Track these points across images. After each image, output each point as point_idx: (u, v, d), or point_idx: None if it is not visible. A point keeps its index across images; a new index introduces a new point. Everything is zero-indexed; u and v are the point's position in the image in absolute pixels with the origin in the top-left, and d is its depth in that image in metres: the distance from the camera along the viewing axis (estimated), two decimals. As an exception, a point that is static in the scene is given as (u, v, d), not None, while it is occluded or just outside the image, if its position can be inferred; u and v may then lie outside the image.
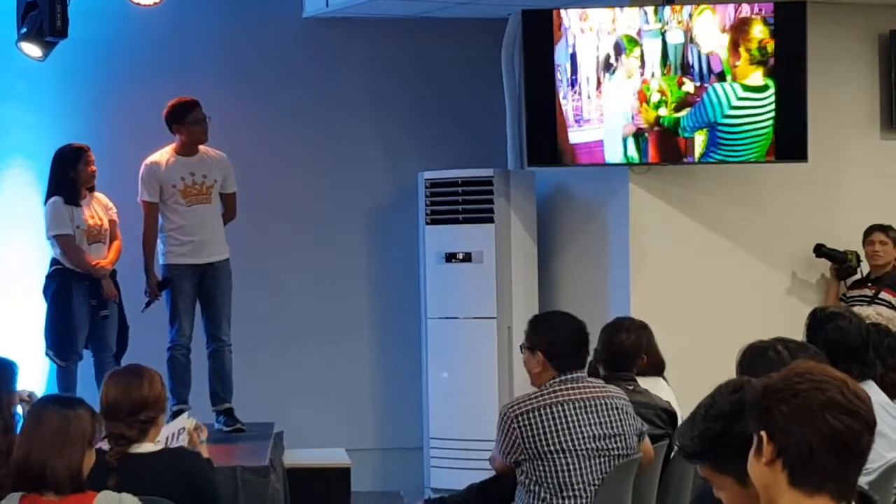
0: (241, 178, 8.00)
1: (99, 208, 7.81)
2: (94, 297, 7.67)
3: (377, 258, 9.36)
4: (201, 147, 7.78)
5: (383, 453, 9.30)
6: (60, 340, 7.68)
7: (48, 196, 7.71)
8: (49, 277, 7.72)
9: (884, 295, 8.18)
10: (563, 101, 8.23)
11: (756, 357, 4.21)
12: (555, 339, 5.21)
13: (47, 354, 7.78)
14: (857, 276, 8.49)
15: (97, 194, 7.85)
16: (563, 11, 8.21)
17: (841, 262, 8.41)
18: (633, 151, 8.21)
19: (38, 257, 8.39)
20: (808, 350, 4.32)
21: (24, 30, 7.43)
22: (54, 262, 7.71)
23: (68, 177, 7.65)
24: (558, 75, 8.21)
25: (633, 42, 8.13)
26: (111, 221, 7.85)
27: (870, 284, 8.28)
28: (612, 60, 8.15)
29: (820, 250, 8.45)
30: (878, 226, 8.37)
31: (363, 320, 9.33)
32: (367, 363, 9.34)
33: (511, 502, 5.29)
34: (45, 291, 7.73)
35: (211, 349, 7.82)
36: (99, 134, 8.31)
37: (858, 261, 8.41)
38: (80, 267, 7.64)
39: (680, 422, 5.98)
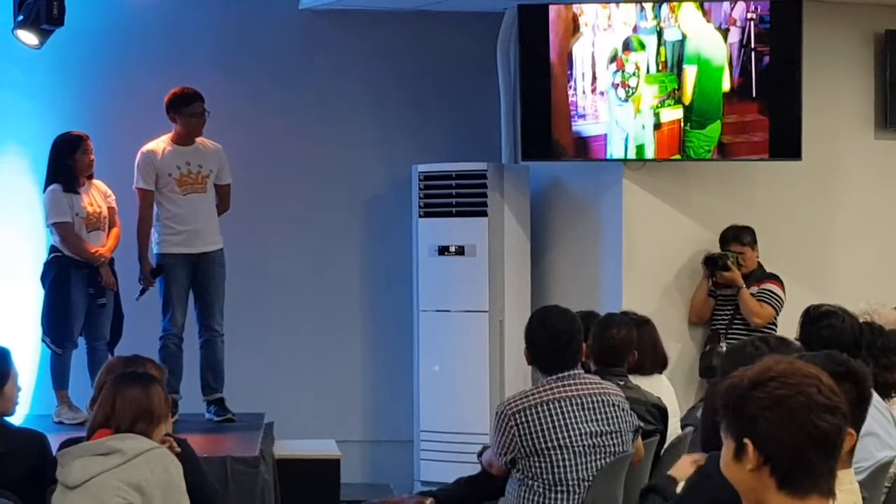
0: (234, 168, 8.04)
1: (98, 196, 7.82)
2: (93, 285, 7.68)
3: (370, 250, 9.35)
4: (198, 137, 7.80)
5: (373, 445, 9.29)
6: (57, 328, 7.69)
7: (47, 184, 7.72)
8: (48, 264, 7.73)
9: (754, 289, 8.13)
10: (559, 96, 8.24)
11: (734, 356, 4.20)
12: (534, 341, 5.22)
13: (43, 341, 7.80)
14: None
15: (96, 182, 7.86)
16: (559, 7, 8.21)
17: (725, 269, 8.24)
18: (627, 147, 8.21)
19: (32, 243, 8.41)
20: (789, 346, 4.33)
21: (20, 18, 7.43)
22: (53, 249, 7.72)
23: (66, 165, 7.66)
24: (553, 69, 8.22)
25: (638, 40, 8.13)
26: (110, 209, 7.86)
27: None
28: (618, 56, 8.15)
29: (715, 264, 8.20)
30: (732, 235, 8.26)
31: (355, 312, 9.32)
32: (359, 355, 9.33)
33: (500, 496, 5.30)
34: (43, 278, 7.74)
35: (203, 339, 7.83)
36: (94, 122, 8.30)
37: (737, 261, 8.25)
38: (79, 254, 7.64)
39: (672, 418, 6.01)
